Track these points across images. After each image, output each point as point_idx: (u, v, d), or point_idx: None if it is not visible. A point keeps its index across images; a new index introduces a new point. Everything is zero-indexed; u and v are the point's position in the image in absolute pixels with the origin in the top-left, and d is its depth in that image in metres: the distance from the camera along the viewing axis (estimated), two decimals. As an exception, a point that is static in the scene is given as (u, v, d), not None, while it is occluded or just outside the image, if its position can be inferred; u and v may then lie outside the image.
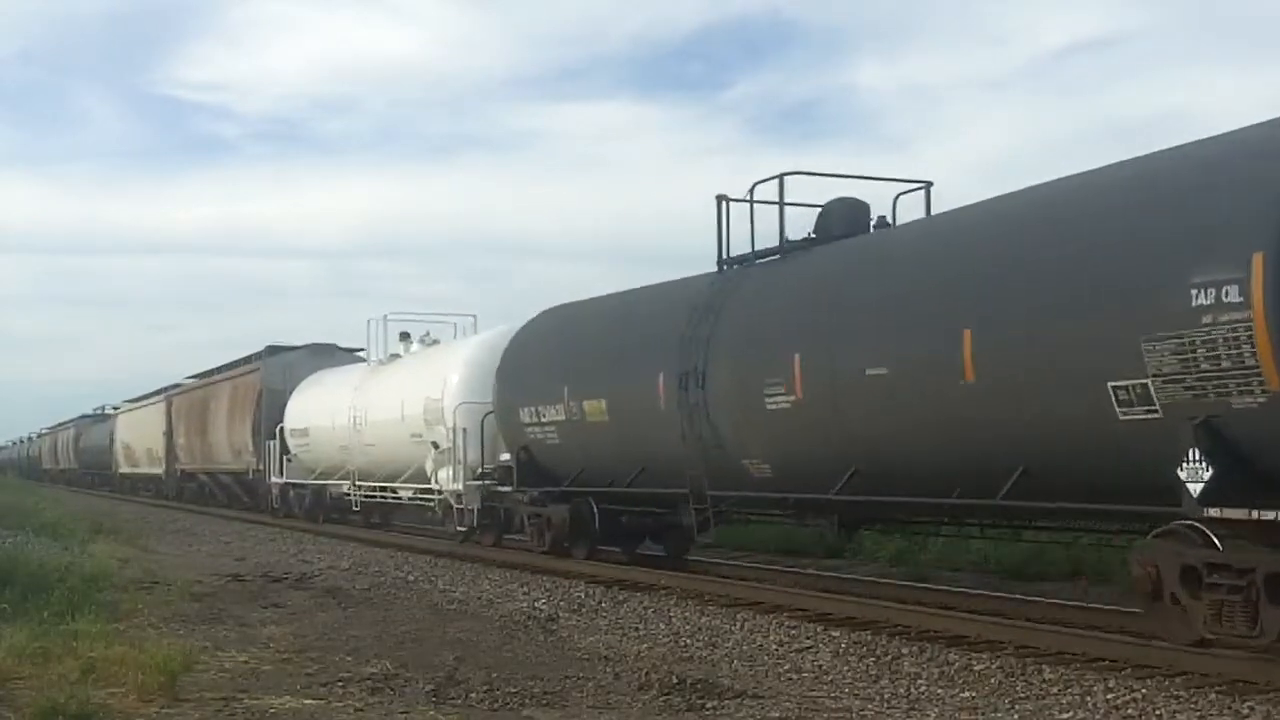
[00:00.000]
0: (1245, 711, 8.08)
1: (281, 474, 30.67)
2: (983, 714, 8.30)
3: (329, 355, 32.85)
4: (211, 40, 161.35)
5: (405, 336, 26.04)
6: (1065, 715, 8.26)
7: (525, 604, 14.21)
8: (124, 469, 54.90)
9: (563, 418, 16.99)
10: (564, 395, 16.93)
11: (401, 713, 8.15)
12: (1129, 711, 8.26)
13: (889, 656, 10.40)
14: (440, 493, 21.72)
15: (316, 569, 18.69)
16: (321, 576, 17.50)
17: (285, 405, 30.68)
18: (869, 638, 11.18)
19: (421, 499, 23.37)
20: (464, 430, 20.47)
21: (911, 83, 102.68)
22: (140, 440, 50.31)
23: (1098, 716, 8.22)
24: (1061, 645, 10.27)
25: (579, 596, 14.66)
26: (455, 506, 20.92)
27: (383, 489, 25.48)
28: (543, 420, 17.50)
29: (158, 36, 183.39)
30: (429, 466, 21.90)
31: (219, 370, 40.37)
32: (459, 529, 21.09)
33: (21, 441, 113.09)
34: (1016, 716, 8.24)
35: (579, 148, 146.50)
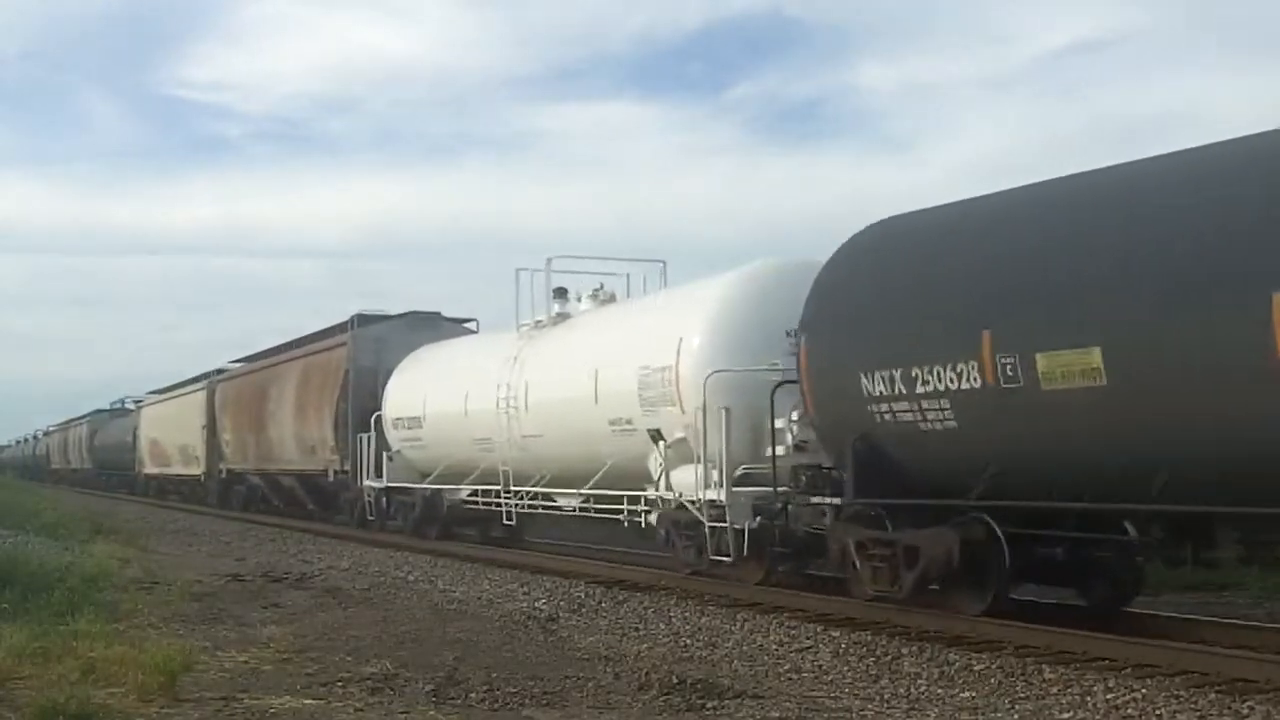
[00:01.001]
0: (1245, 711, 8.08)
1: (380, 476, 24.20)
2: (983, 714, 8.30)
3: (431, 326, 26.42)
4: (214, 40, 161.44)
5: (562, 293, 19.79)
6: (1065, 715, 8.27)
7: (525, 604, 14.21)
8: (150, 469, 48.95)
9: (973, 385, 10.57)
10: (978, 348, 10.50)
11: (401, 713, 8.15)
12: (1129, 711, 8.27)
13: (889, 656, 10.40)
14: (671, 503, 15.24)
15: (316, 569, 18.69)
16: (321, 576, 17.50)
17: (382, 389, 24.62)
18: (869, 638, 11.18)
19: (606, 511, 17.21)
20: (723, 411, 13.97)
21: (913, 82, 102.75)
22: (172, 436, 43.87)
23: (1098, 716, 8.22)
24: (1061, 645, 10.27)
25: (579, 596, 14.66)
26: (707, 524, 14.24)
27: (554, 495, 18.77)
28: (918, 390, 11.09)
29: (160, 36, 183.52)
30: (653, 465, 15.57)
31: (282, 349, 33.41)
32: (714, 557, 14.27)
33: (25, 440, 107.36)
34: (1016, 716, 8.24)
35: (580, 148, 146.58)
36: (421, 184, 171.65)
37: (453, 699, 8.59)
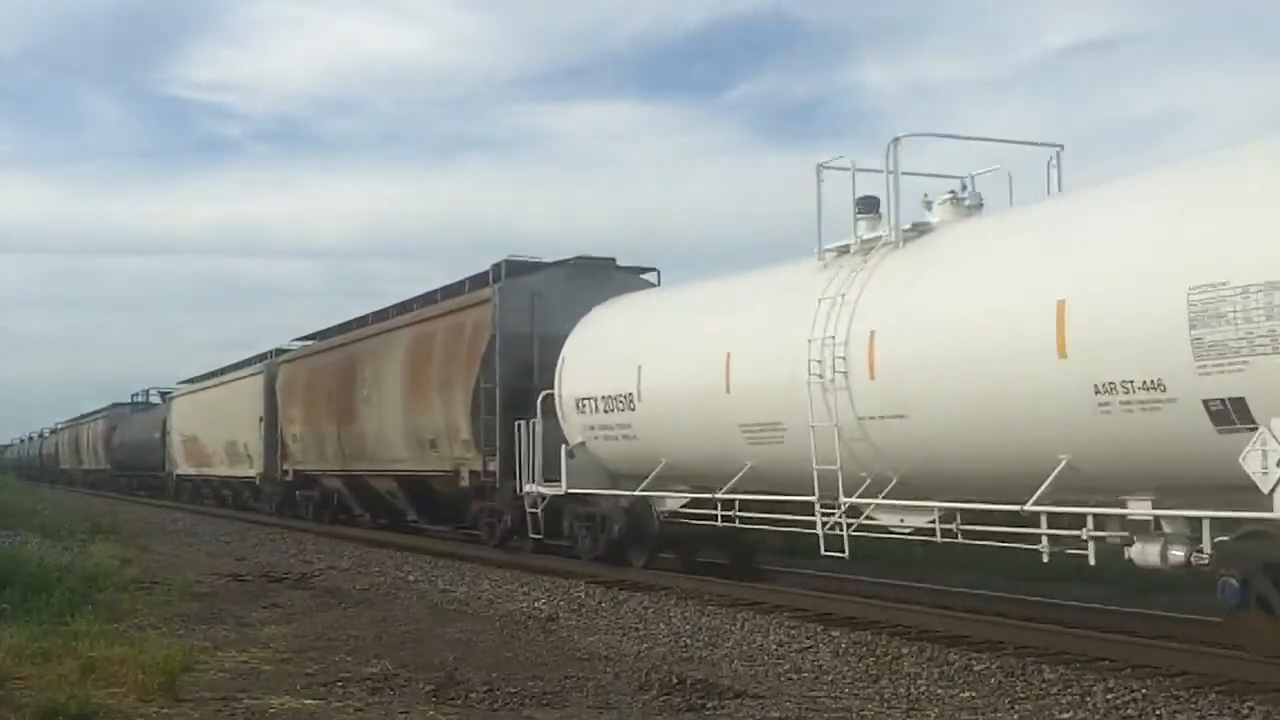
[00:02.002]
0: (1245, 711, 8.08)
1: (559, 480, 17.36)
2: (983, 714, 8.30)
3: (600, 276, 19.85)
4: (216, 40, 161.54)
5: (869, 204, 13.26)
6: (1065, 715, 8.26)
7: (525, 604, 14.20)
8: (185, 469, 42.65)
9: None
10: None
11: (401, 713, 8.15)
12: (1129, 711, 8.26)
13: (889, 656, 10.40)
14: None
15: (316, 569, 18.69)
16: (321, 576, 17.50)
17: (538, 358, 18.91)
18: (869, 638, 11.18)
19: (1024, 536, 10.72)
20: None
21: (915, 82, 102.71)
22: (215, 431, 37.40)
23: (1098, 716, 8.22)
24: (1061, 645, 10.27)
25: (579, 596, 14.66)
26: None
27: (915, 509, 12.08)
28: None
29: (162, 36, 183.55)
30: (1255, 463, 8.56)
31: (377, 317, 26.42)
32: None
33: (31, 438, 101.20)
34: (1016, 716, 8.24)
35: (582, 147, 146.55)
36: (422, 184, 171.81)
37: (453, 699, 8.59)
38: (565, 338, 18.00)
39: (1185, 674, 9.09)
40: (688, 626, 12.33)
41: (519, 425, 18.35)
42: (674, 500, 16.07)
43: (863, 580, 15.11)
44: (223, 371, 39.68)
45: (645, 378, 15.91)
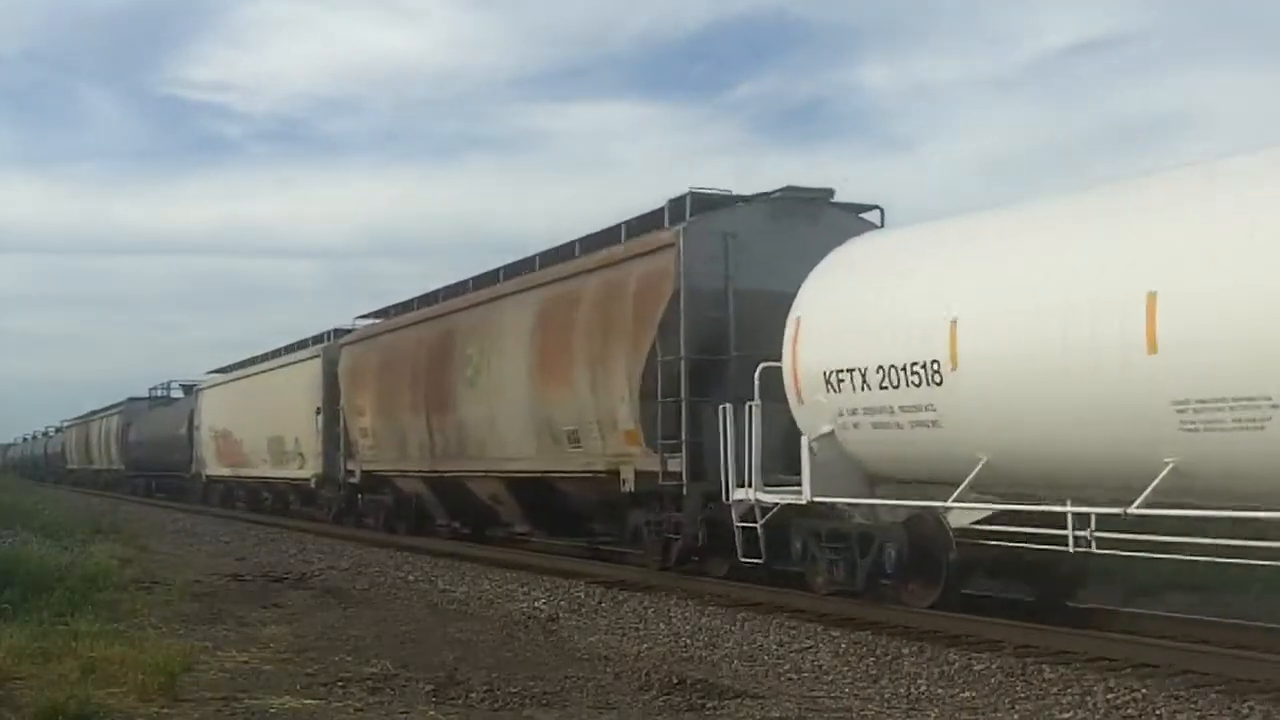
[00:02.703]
0: (1245, 711, 8.09)
1: (787, 484, 13.26)
2: (983, 714, 8.30)
3: (812, 215, 15.62)
4: (216, 40, 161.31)
5: None
6: (1065, 715, 8.26)
7: (525, 604, 14.21)
8: (216, 470, 38.42)
9: None
10: None
11: (401, 713, 8.15)
12: (1129, 711, 8.27)
13: (889, 656, 10.40)
14: None
15: (316, 569, 18.68)
16: (321, 576, 17.50)
17: (730, 315, 14.86)
18: (869, 638, 11.18)
19: None
20: None
21: (916, 82, 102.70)
22: (255, 425, 33.00)
23: (1098, 716, 8.22)
24: (1061, 645, 10.27)
25: (579, 596, 14.66)
26: None
27: None
28: None
29: (162, 36, 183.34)
30: None
31: (483, 281, 21.33)
32: None
33: (34, 437, 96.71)
34: (1016, 716, 8.24)
35: (584, 148, 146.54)
36: (423, 184, 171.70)
37: (453, 699, 8.59)
38: (773, 293, 13.65)
39: (1185, 674, 9.09)
40: (688, 626, 12.33)
41: (723, 411, 13.68)
42: (972, 513, 11.67)
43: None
44: (265, 358, 34.33)
45: (964, 337, 11.07)
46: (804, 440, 12.85)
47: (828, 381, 12.58)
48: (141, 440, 50.30)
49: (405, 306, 25.11)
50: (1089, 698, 8.64)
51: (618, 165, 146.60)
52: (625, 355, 15.62)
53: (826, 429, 12.67)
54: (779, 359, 13.25)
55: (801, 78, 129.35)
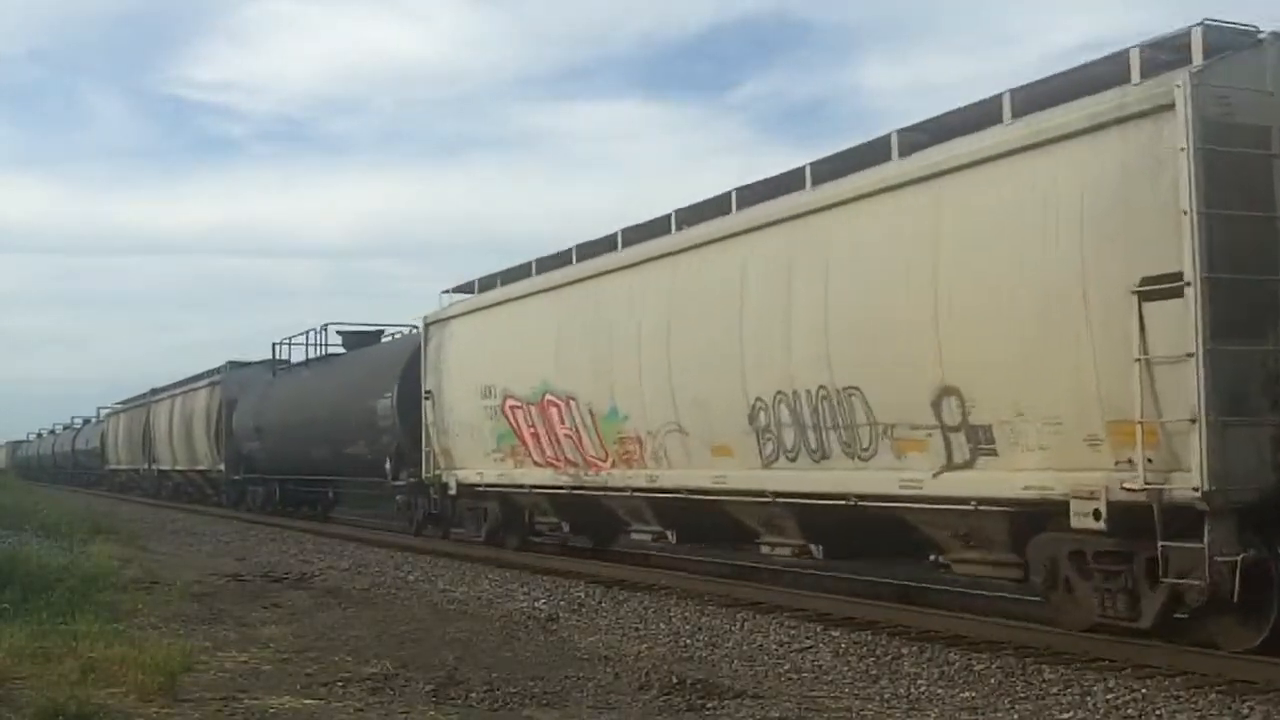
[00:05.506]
0: (1245, 711, 8.08)
1: None
2: (983, 714, 8.30)
3: None
4: (219, 40, 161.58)
5: None
6: (1065, 715, 8.27)
7: (525, 604, 14.21)
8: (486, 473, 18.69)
9: None
10: None
11: (401, 713, 8.15)
12: (1129, 711, 8.27)
13: (889, 656, 10.40)
14: None
15: (316, 569, 18.68)
16: (321, 576, 17.50)
17: None
18: (869, 638, 11.18)
19: None
20: None
21: (919, 83, 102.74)
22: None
23: (1098, 716, 8.22)
24: (1061, 645, 10.27)
25: (579, 596, 14.66)
26: None
27: None
28: None
29: (166, 36, 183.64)
30: None
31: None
32: None
33: (52, 432, 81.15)
34: (1016, 716, 8.25)
35: (586, 147, 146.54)
36: (424, 184, 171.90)
37: (453, 699, 8.59)
38: None
39: (1185, 674, 9.08)
40: (688, 626, 12.33)
41: None
42: None
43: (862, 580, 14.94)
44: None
45: None
46: None
47: None
48: (268, 424, 30.70)
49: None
50: (1089, 698, 8.64)
51: (621, 165, 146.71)
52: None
53: None
54: None
55: (805, 77, 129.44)
